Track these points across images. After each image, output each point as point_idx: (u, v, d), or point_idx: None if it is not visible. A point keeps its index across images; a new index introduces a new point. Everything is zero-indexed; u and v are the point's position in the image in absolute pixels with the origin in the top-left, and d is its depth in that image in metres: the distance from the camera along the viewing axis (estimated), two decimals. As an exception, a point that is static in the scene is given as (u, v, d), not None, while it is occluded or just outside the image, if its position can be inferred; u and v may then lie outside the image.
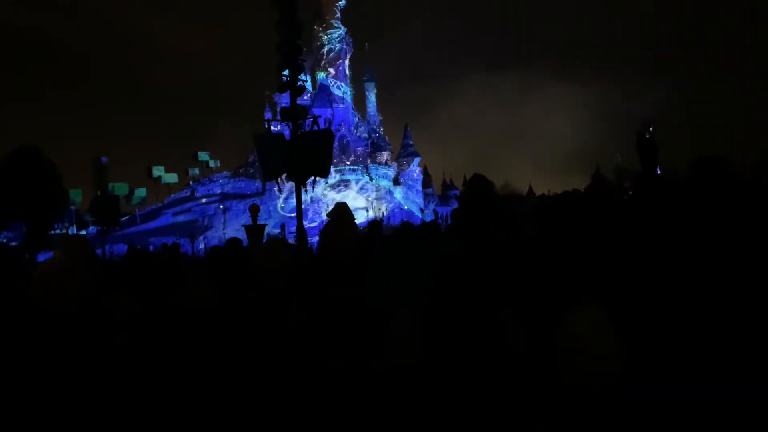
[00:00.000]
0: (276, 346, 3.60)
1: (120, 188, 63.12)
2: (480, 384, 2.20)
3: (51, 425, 3.00)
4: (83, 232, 52.29)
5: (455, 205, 6.42)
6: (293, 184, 19.58)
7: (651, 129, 24.55)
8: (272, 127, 21.46)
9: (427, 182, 72.21)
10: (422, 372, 2.20)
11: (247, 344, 3.63)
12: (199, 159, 74.83)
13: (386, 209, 62.04)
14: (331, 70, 68.63)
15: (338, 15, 69.99)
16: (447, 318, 2.28)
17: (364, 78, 72.58)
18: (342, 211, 3.88)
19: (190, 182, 71.20)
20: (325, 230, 3.81)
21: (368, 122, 70.55)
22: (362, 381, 2.44)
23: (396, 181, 66.76)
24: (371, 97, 72.46)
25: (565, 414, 2.64)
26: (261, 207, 28.12)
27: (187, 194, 67.62)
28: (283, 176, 19.51)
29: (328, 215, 3.95)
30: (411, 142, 69.14)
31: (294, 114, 18.55)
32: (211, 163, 74.87)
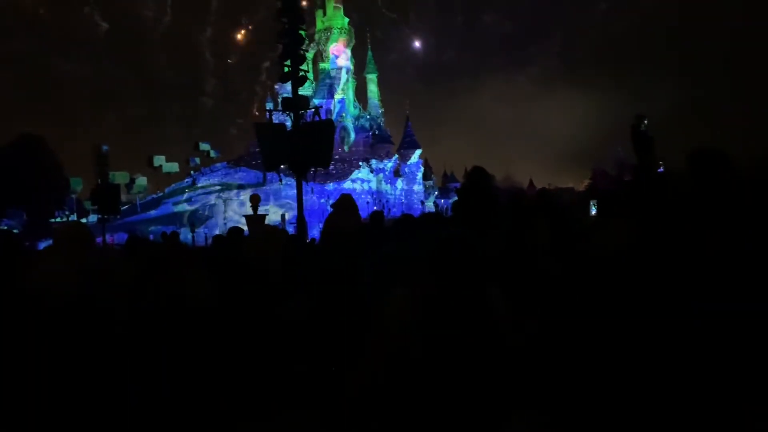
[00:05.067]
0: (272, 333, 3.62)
1: (121, 177, 63.03)
2: (469, 369, 2.23)
3: (51, 417, 3.01)
4: (84, 221, 52.34)
5: (455, 197, 6.41)
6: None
7: (646, 122, 24.44)
8: (273, 118, 21.44)
9: (427, 174, 72.18)
10: (415, 354, 2.22)
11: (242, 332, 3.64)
12: (200, 149, 74.71)
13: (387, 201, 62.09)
14: (334, 61, 68.39)
15: (341, 4, 69.71)
16: (441, 303, 2.31)
17: (367, 69, 72.32)
18: (346, 201, 3.91)
19: (191, 172, 71.09)
20: (330, 219, 3.84)
21: (370, 113, 70.35)
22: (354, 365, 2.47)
23: (397, 173, 66.70)
24: (373, 88, 72.22)
25: (552, 399, 2.66)
26: (261, 196, 28.14)
27: (188, 184, 67.54)
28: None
29: (332, 206, 3.97)
30: (412, 134, 68.99)
31: (295, 104, 18.53)
32: (212, 153, 74.75)
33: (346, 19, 70.20)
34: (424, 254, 2.50)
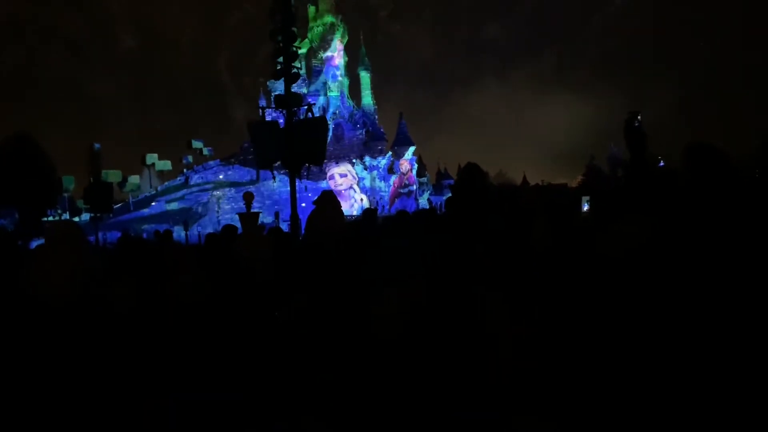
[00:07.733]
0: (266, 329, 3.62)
1: (113, 175, 62.76)
2: (461, 366, 2.22)
3: (49, 416, 3.00)
4: (76, 219, 52.04)
5: (449, 194, 6.41)
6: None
7: (639, 118, 24.56)
8: (266, 115, 21.38)
9: (421, 171, 72.02)
10: (406, 348, 2.22)
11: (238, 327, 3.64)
12: (193, 146, 74.48)
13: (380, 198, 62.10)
14: (326, 58, 68.17)
15: (333, 2, 69.46)
16: (434, 299, 2.31)
17: (360, 66, 72.01)
18: (328, 199, 3.90)
19: (184, 170, 70.82)
20: (312, 217, 3.83)
21: (363, 111, 70.11)
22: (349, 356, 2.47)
23: (390, 170, 66.56)
24: (366, 85, 71.93)
25: (555, 404, 2.65)
26: (255, 194, 28.04)
27: (181, 182, 67.26)
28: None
29: (314, 203, 3.95)
30: (406, 131, 68.79)
31: (288, 102, 18.49)
32: (205, 151, 74.54)
33: (339, 15, 69.89)
34: (417, 255, 2.50)
